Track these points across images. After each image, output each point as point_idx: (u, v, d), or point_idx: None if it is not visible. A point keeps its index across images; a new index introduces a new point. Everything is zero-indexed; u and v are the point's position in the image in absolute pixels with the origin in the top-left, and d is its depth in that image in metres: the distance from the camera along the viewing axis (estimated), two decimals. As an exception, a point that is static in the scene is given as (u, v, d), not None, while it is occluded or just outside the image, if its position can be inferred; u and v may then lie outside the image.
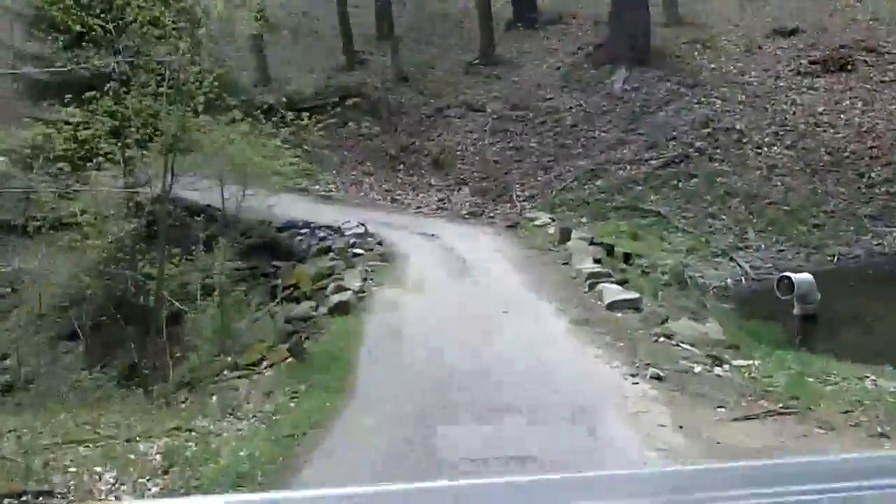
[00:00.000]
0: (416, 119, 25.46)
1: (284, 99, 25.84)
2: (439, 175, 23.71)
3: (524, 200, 21.75)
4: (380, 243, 18.76)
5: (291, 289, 17.71)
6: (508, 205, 21.78)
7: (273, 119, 17.09)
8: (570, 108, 23.91)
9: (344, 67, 28.22)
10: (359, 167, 25.25)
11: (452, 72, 26.42)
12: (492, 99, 25.11)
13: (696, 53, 24.60)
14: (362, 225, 19.78)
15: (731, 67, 23.81)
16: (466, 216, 21.61)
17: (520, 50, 26.62)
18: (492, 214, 21.51)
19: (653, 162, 21.58)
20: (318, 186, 25.01)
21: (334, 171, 25.41)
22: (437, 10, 30.08)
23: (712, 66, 23.98)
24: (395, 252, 17.93)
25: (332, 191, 24.66)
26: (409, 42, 28.54)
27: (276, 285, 18.26)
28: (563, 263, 15.89)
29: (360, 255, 17.67)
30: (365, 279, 15.50)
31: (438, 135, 24.73)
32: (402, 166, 24.60)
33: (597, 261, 15.64)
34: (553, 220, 19.64)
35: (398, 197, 23.59)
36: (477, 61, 26.51)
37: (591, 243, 17.10)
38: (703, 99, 22.87)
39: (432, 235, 19.38)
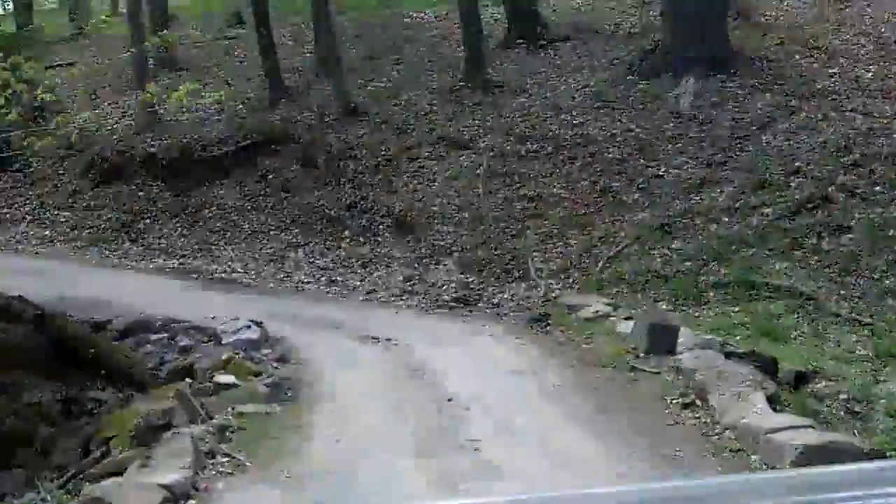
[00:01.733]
0: (369, 165, 16.59)
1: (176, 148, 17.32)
2: (406, 243, 14.71)
3: (550, 277, 12.75)
4: (281, 359, 9.73)
5: (105, 447, 8.84)
6: (524, 284, 12.76)
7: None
8: (614, 135, 15.14)
9: (266, 103, 19.43)
10: (281, 236, 16.23)
11: (425, 99, 17.63)
12: (486, 131, 16.31)
13: (797, 56, 16.00)
14: (254, 324, 10.71)
15: (863, 71, 15.19)
16: (452, 304, 12.55)
17: (521, 71, 17.96)
18: (495, 300, 12.49)
19: (768, 210, 12.70)
20: (215, 266, 15.92)
21: (244, 244, 16.35)
22: (404, 31, 21.51)
23: (831, 70, 15.35)
24: (305, 378, 9.00)
25: (235, 271, 15.56)
26: (366, 70, 19.87)
27: (90, 436, 9.37)
28: (685, 405, 7.06)
29: (230, 387, 8.61)
30: (209, 456, 6.49)
31: (404, 185, 15.83)
32: (347, 233, 15.61)
33: (772, 399, 6.87)
34: (615, 308, 10.65)
35: (339, 278, 14.51)
36: (462, 85, 17.77)
37: (728, 354, 8.15)
38: (830, 114, 14.17)
39: (388, 341, 10.40)
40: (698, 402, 7.31)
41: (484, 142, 15.99)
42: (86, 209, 18.56)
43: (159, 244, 17.05)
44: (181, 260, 16.46)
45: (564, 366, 8.84)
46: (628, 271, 12.32)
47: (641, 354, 8.75)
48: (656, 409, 7.38)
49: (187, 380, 10.10)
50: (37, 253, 17.43)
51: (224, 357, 10.06)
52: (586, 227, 13.60)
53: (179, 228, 17.35)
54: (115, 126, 19.99)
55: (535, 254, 13.32)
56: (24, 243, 17.92)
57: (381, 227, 15.30)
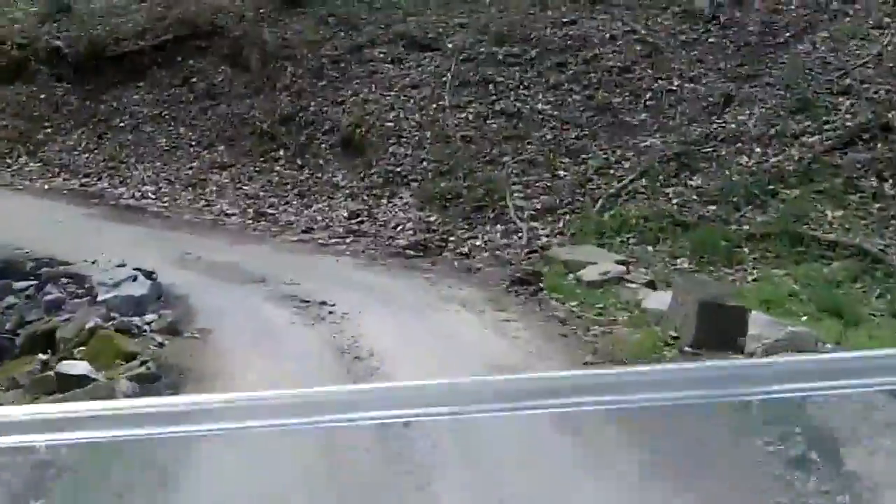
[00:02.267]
0: (311, 68, 13.57)
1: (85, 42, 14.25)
2: (353, 168, 11.85)
3: (533, 219, 10.01)
4: (172, 330, 7.00)
5: None
6: (500, 227, 10.02)
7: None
8: (614, 37, 12.24)
9: (195, -10, 16.18)
10: (204, 154, 13.30)
11: (382, -11, 14.53)
12: (454, 28, 13.31)
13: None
14: (144, 275, 7.93)
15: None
16: (408, 251, 9.78)
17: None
18: (464, 249, 9.75)
19: (812, 139, 10.00)
20: (122, 189, 13.02)
21: (159, 163, 13.40)
22: None
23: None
24: (197, 367, 6.26)
25: (146, 196, 12.66)
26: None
27: None
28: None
29: (82, 381, 5.86)
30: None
31: (353, 94, 12.86)
32: (282, 152, 12.71)
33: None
34: (628, 269, 7.99)
35: (269, 209, 11.67)
36: (426, -28, 14.63)
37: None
38: (884, 20, 11.37)
39: (322, 306, 7.65)
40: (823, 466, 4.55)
41: (452, 42, 13.00)
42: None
43: (60, 160, 14.05)
44: (83, 180, 13.51)
45: (576, 365, 6.12)
46: (635, 215, 9.60)
47: (688, 348, 6.08)
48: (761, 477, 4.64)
49: (48, 353, 7.39)
50: None
51: (88, 326, 7.28)
52: (579, 154, 10.80)
53: (85, 141, 14.32)
54: (16, 14, 16.69)
55: (514, 187, 10.52)
56: None
57: (323, 146, 12.39)
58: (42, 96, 15.06)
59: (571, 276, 8.05)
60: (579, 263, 8.15)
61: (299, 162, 12.38)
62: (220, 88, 14.13)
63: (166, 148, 13.68)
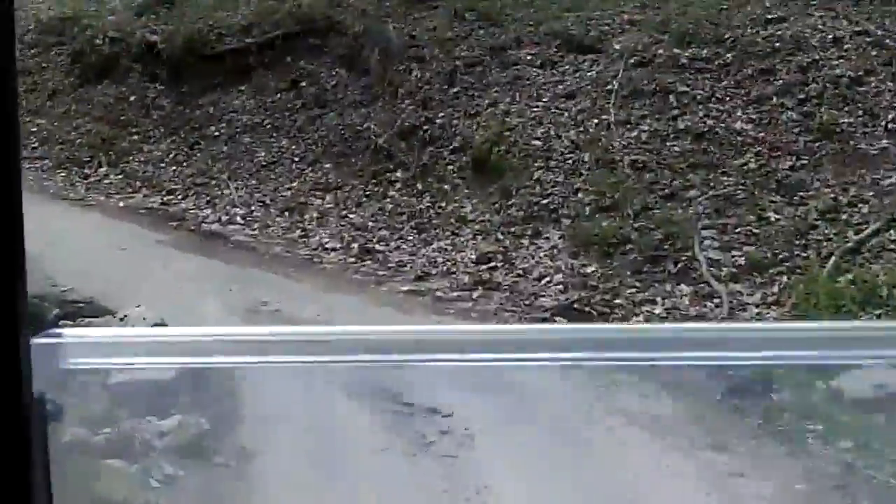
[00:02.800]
0: (442, 72, 11.05)
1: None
2: (486, 196, 9.23)
3: (734, 278, 7.15)
4: (198, 445, 4.40)
5: None
6: (686, 288, 7.20)
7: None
8: (838, 38, 9.28)
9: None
10: (307, 172, 10.96)
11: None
12: (622, 26, 10.58)
13: None
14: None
15: None
16: (558, 318, 7.08)
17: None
18: (637, 317, 6.98)
19: None
20: (207, 211, 10.80)
21: (254, 181, 11.13)
22: None
23: None
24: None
25: (234, 221, 10.40)
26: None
27: None
28: None
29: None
30: None
31: (491, 105, 10.26)
32: (399, 173, 10.23)
33: None
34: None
35: (378, 246, 9.16)
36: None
37: None
38: None
39: (432, 415, 4.91)
40: None
41: (619, 42, 10.26)
42: (63, 116, 13.54)
43: (144, 172, 11.96)
44: (166, 198, 11.35)
45: None
46: (887, 282, 6.63)
47: None
48: None
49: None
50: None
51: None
52: (796, 191, 7.89)
53: (174, 152, 12.20)
54: (114, 2, 14.82)
55: (705, 233, 7.69)
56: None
57: (450, 168, 9.82)
58: (131, 98, 13.05)
59: (820, 382, 5.16)
60: (832, 365, 5.27)
61: (419, 186, 9.85)
62: (331, 95, 11.76)
63: (264, 163, 11.39)
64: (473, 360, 1.21)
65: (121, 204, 11.29)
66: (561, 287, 7.67)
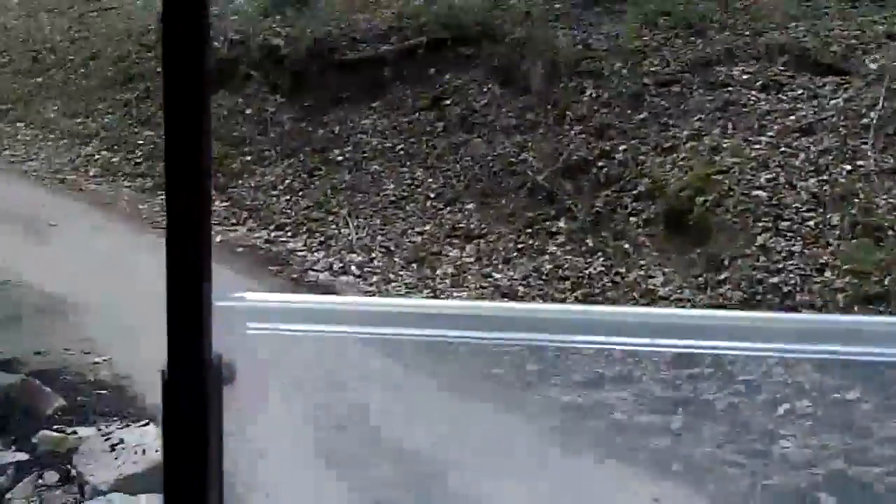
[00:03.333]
0: (626, 91, 8.50)
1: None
2: (684, 262, 6.64)
3: None
4: None
5: None
6: None
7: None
8: None
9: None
10: (444, 213, 8.63)
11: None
12: (879, 39, 7.80)
13: None
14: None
15: None
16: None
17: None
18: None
19: None
20: (319, 255, 8.62)
21: (379, 220, 8.90)
22: None
23: None
24: None
25: (348, 271, 8.16)
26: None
27: None
28: None
29: None
30: None
31: (693, 138, 7.64)
32: (563, 222, 7.75)
33: None
34: None
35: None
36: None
37: None
38: None
39: None
40: None
41: (876, 61, 7.52)
42: (172, 130, 11.67)
43: (252, 200, 9.90)
44: (273, 234, 9.27)
45: None
46: None
47: None
48: None
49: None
50: (81, 190, 10.77)
51: None
52: None
53: (290, 178, 10.13)
54: (238, 1, 12.97)
55: None
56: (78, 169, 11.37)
57: (633, 220, 7.27)
58: (247, 111, 11.07)
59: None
60: None
61: (590, 243, 7.35)
62: (480, 116, 9.43)
63: (393, 198, 9.14)
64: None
65: (218, 238, 9.23)
66: (808, 404, 5.04)
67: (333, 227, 9.10)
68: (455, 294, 7.35)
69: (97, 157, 11.69)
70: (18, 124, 13.01)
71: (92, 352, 6.36)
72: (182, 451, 0.94)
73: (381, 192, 9.32)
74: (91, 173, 11.31)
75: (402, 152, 9.68)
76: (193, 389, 0.92)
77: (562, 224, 7.81)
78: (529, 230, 7.91)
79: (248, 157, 10.59)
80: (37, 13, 15.49)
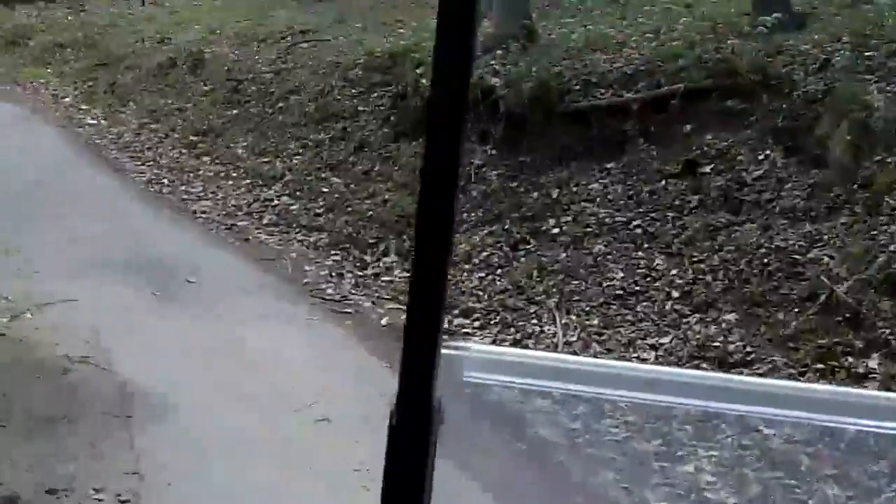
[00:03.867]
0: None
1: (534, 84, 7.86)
2: None
3: None
4: None
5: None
6: None
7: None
8: None
9: (742, 24, 9.20)
10: (690, 323, 6.09)
11: None
12: None
13: None
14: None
15: None
16: None
17: None
18: None
19: None
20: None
21: (598, 319, 6.49)
22: None
23: None
24: None
25: (569, 388, 5.67)
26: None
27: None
28: None
29: None
30: None
31: None
32: (878, 355, 5.06)
33: None
34: None
35: None
36: None
37: None
38: None
39: None
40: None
41: None
42: (362, 177, 9.90)
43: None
44: (458, 320, 7.11)
45: None
46: None
47: None
48: None
49: None
50: (246, 240, 9.01)
51: None
52: None
53: (488, 249, 7.96)
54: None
55: None
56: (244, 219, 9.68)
57: None
58: (452, 164, 8.93)
59: None
60: None
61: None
62: (753, 192, 6.91)
63: (620, 291, 6.80)
64: None
65: (384, 320, 7.15)
66: None
67: (535, 320, 6.83)
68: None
69: (275, 202, 9.99)
70: (204, 158, 11.60)
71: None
72: (402, 486, 0.96)
73: (605, 281, 6.95)
74: (264, 221, 9.58)
75: (638, 231, 7.29)
76: (418, 432, 0.94)
77: (873, 363, 5.14)
78: (821, 365, 5.29)
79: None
80: (250, 42, 14.25)
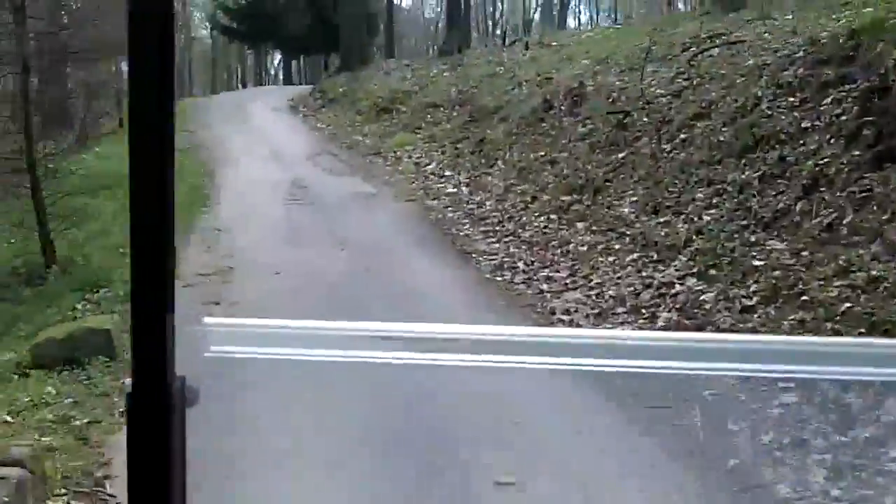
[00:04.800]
0: None
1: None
2: None
3: None
4: None
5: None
6: None
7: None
8: None
9: None
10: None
11: None
12: None
13: None
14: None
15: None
16: None
17: None
18: None
19: None
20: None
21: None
22: None
23: None
24: None
25: None
26: None
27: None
28: None
29: None
30: None
31: None
32: None
33: None
34: None
35: None
36: None
37: None
38: None
39: None
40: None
41: None
42: (822, 240, 5.76)
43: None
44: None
45: None
46: None
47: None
48: None
49: None
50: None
51: None
52: None
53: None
54: None
55: None
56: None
57: None
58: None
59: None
60: None
61: None
62: None
63: None
64: None
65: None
66: None
67: None
68: None
69: (677, 288, 6.20)
70: (578, 225, 8.17)
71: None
72: (145, 472, 0.91)
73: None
74: (659, 319, 5.83)
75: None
76: (157, 416, 0.90)
77: None
78: None
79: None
80: (641, 64, 10.61)
